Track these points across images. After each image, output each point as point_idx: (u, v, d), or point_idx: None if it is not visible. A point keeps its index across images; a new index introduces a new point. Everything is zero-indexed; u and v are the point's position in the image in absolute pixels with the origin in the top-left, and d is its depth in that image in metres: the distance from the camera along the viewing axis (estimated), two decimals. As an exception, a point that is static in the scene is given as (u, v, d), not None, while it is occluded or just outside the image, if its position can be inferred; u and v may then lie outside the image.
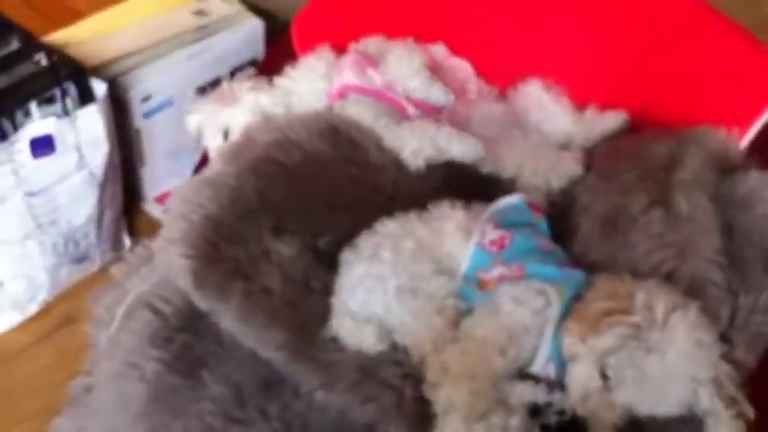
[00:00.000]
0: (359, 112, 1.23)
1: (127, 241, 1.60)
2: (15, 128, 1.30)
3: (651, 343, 0.92)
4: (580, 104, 1.34)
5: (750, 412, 0.94)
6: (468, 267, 1.08)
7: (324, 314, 1.08)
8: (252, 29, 1.70)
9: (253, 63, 1.73)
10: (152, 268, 1.20)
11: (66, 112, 1.32)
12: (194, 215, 1.12)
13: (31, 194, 1.33)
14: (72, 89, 1.33)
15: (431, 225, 1.12)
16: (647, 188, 1.08)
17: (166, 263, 1.13)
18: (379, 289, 1.06)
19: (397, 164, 1.21)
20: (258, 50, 1.74)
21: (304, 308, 1.09)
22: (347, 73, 1.25)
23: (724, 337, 1.00)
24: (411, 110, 1.25)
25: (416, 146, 1.18)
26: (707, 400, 0.93)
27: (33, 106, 1.30)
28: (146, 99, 1.57)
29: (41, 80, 1.33)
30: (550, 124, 1.31)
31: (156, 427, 1.06)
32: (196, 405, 1.05)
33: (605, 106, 1.32)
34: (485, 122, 1.32)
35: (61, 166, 1.35)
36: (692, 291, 1.01)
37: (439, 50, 1.39)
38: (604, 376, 0.94)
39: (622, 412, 0.94)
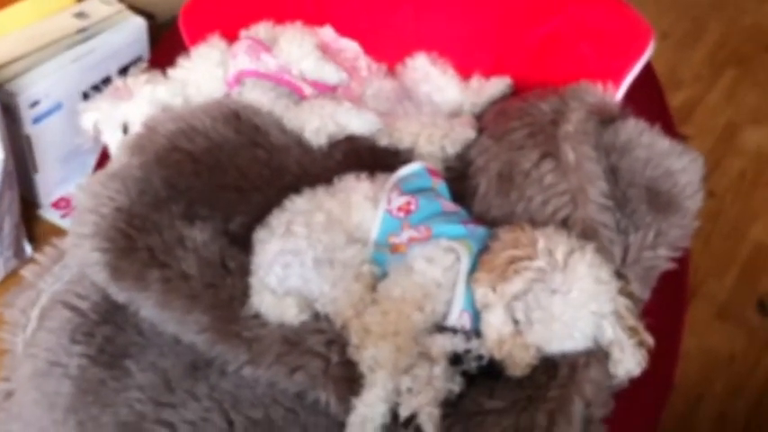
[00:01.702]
0: (258, 96, 1.26)
1: (28, 248, 1.57)
2: None
3: (555, 284, 0.98)
4: (465, 74, 1.41)
5: (650, 340, 1.02)
6: (379, 233, 1.13)
7: (243, 293, 1.11)
8: (135, 27, 1.70)
9: (138, 61, 1.73)
10: (63, 266, 1.19)
11: (-44, 127, 1.30)
12: (104, 208, 1.13)
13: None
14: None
15: (338, 197, 1.17)
16: (536, 143, 1.15)
17: (81, 258, 1.13)
18: (296, 262, 1.09)
19: (300, 143, 1.25)
20: (143, 48, 1.74)
21: (223, 289, 1.11)
22: (241, 58, 1.27)
23: (619, 274, 1.08)
24: (307, 90, 1.28)
25: (317, 124, 1.22)
26: (610, 332, 1.00)
27: None
28: (34, 104, 1.55)
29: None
30: (440, 95, 1.37)
31: (85, 420, 1.06)
32: (124, 394, 1.06)
33: (489, 74, 1.39)
34: (379, 98, 1.37)
35: (-46, 177, 1.34)
36: (586, 234, 1.08)
37: (327, 33, 1.42)
38: (515, 321, 1.02)
39: (535, 352, 1.00)
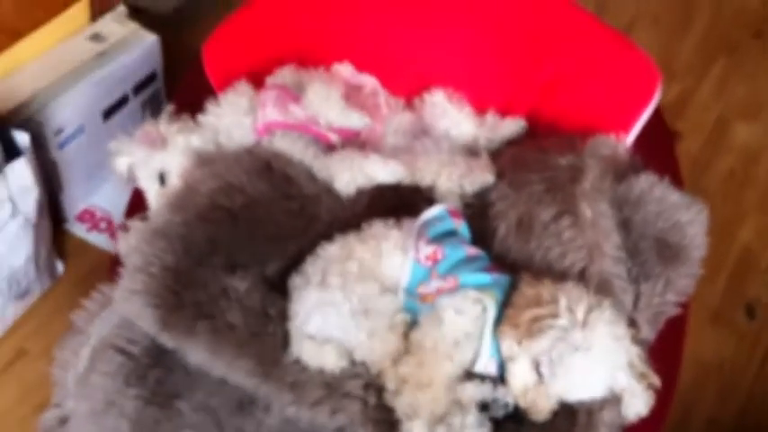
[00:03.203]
0: (287, 146, 1.33)
1: (60, 267, 1.66)
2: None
3: (576, 342, 1.07)
4: (478, 107, 1.48)
5: (657, 381, 1.12)
6: (409, 283, 1.22)
7: (284, 338, 1.20)
8: (149, 45, 1.75)
9: (152, 77, 1.79)
10: (110, 311, 1.29)
11: (-5, 170, 1.36)
12: (153, 267, 1.21)
13: (-29, 247, 1.38)
14: (-5, 144, 1.37)
15: (369, 244, 1.25)
16: (555, 199, 1.24)
17: (132, 312, 1.22)
18: (334, 314, 1.18)
19: (329, 191, 1.33)
20: (156, 63, 1.80)
21: (266, 336, 1.21)
22: (270, 110, 1.33)
23: (630, 320, 1.20)
24: (334, 138, 1.35)
25: (347, 178, 1.29)
26: (623, 381, 1.11)
27: (-39, 166, 1.34)
28: (58, 132, 1.62)
29: (-36, 139, 1.36)
30: (457, 130, 1.45)
31: None
32: None
33: (502, 108, 1.47)
34: (398, 134, 1.45)
35: (-4, 216, 1.40)
36: (601, 285, 1.19)
37: (346, 70, 1.48)
38: (538, 372, 1.13)
39: (556, 400, 1.12)
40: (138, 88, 1.76)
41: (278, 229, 1.30)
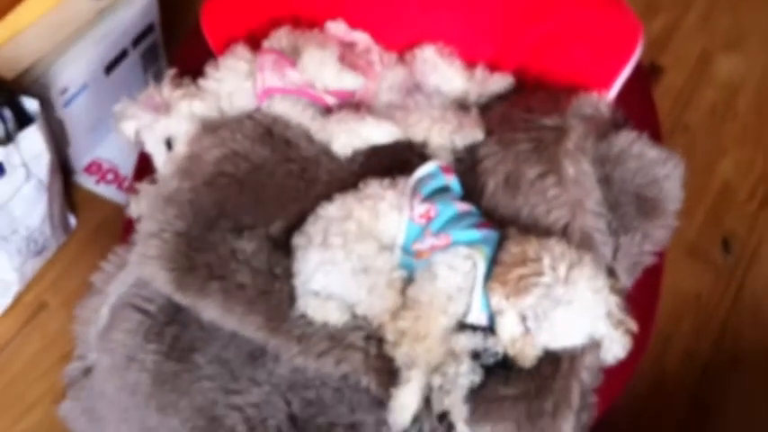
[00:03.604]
0: (286, 109, 1.40)
1: (72, 220, 1.75)
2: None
3: (558, 296, 1.17)
4: (468, 62, 1.54)
5: (633, 327, 1.23)
6: (405, 241, 1.30)
7: (290, 295, 1.30)
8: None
9: (150, 28, 1.84)
10: (127, 272, 1.37)
11: (9, 138, 1.44)
12: (166, 234, 1.31)
13: (-10, 214, 1.47)
14: (8, 114, 1.44)
15: (366, 205, 1.33)
16: (540, 159, 1.32)
17: (147, 274, 1.31)
18: (335, 272, 1.27)
19: (327, 152, 1.41)
20: (153, 15, 1.85)
21: (273, 293, 1.30)
22: (269, 75, 1.39)
23: (609, 270, 1.29)
24: (330, 100, 1.42)
25: (344, 140, 1.37)
26: (603, 329, 1.21)
27: (-22, 138, 1.41)
28: (63, 92, 1.68)
29: (-23, 112, 1.43)
30: (447, 85, 1.50)
31: (164, 405, 1.28)
32: (196, 384, 1.28)
33: (491, 62, 1.53)
34: (392, 90, 1.50)
35: (12, 183, 1.48)
36: (583, 238, 1.28)
37: (339, 27, 1.53)
38: (525, 324, 1.22)
39: (541, 348, 1.22)
40: (137, 41, 1.81)
41: (280, 191, 1.39)
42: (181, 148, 1.39)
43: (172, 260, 1.29)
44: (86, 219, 1.78)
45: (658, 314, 1.43)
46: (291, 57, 1.43)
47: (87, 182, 1.84)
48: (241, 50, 1.45)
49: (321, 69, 1.40)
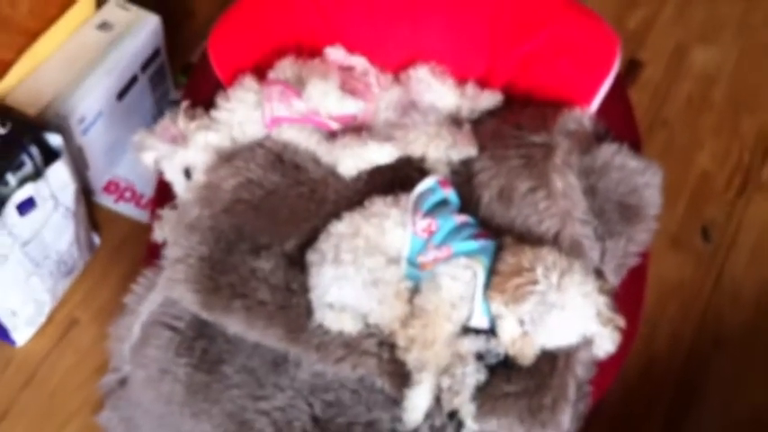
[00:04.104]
0: (294, 136, 1.52)
1: (96, 239, 1.87)
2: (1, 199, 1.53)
3: (552, 302, 1.29)
4: (459, 79, 1.64)
5: (622, 323, 1.35)
6: (409, 254, 1.42)
7: (307, 308, 1.42)
8: (152, 26, 1.90)
9: (157, 53, 1.94)
10: (156, 293, 1.48)
11: (38, 173, 1.55)
12: (191, 259, 1.43)
13: (25, 244, 1.59)
14: (35, 151, 1.55)
15: (372, 222, 1.44)
16: (530, 174, 1.44)
17: (176, 295, 1.43)
18: (348, 286, 1.39)
19: (333, 173, 1.53)
20: (159, 41, 1.96)
21: (291, 308, 1.42)
22: (276, 105, 1.50)
23: (597, 272, 1.42)
24: (334, 125, 1.54)
25: (350, 164, 1.49)
26: (594, 328, 1.34)
27: (9, 175, 1.52)
28: (81, 121, 1.78)
29: (7, 150, 1.53)
30: (441, 102, 1.61)
31: (198, 412, 1.41)
32: (226, 393, 1.41)
33: (481, 80, 1.64)
34: (390, 108, 1.61)
35: (42, 213, 1.60)
36: (573, 245, 1.40)
37: (338, 52, 1.64)
38: (522, 326, 1.35)
39: (539, 348, 1.34)
40: (145, 66, 1.91)
41: (293, 212, 1.51)
42: (199, 177, 1.51)
43: (197, 282, 1.42)
44: (109, 236, 1.90)
45: (645, 305, 1.56)
46: (296, 86, 1.54)
47: (107, 201, 1.95)
48: (249, 82, 1.56)
49: (324, 98, 1.51)
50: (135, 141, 1.57)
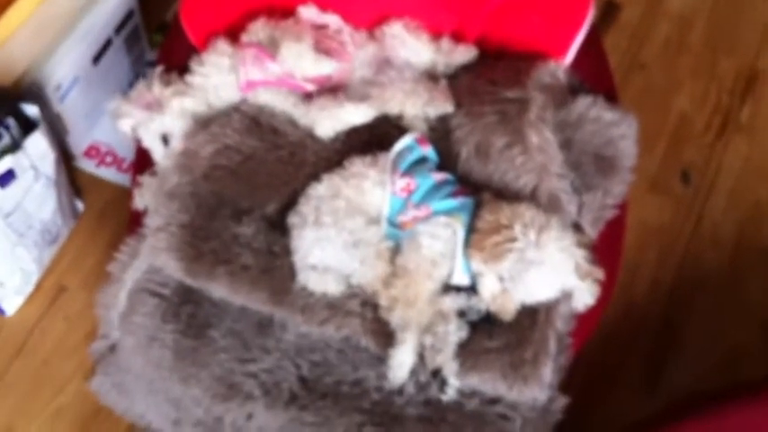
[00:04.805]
0: (270, 99, 1.52)
1: (80, 205, 1.88)
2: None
3: (530, 259, 1.31)
4: (434, 34, 1.63)
5: (600, 275, 1.37)
6: (389, 213, 1.43)
7: (290, 270, 1.43)
8: (125, -13, 1.88)
9: (130, 14, 1.92)
10: (140, 260, 1.50)
11: (16, 145, 1.54)
12: (172, 227, 1.44)
13: (7, 216, 1.59)
14: (12, 122, 1.54)
15: (351, 183, 1.45)
16: (506, 131, 1.44)
17: (160, 263, 1.45)
18: (330, 247, 1.40)
19: (311, 135, 1.52)
20: (132, 2, 1.93)
21: (275, 270, 1.44)
22: (251, 68, 1.49)
23: (576, 225, 1.44)
24: (310, 87, 1.53)
25: (327, 125, 1.48)
26: (573, 281, 1.36)
27: (-13, 148, 1.52)
28: (58, 88, 1.77)
29: (-18, 124, 1.54)
30: (416, 58, 1.60)
31: (186, 376, 1.44)
32: (214, 357, 1.43)
33: (454, 34, 1.62)
34: (365, 66, 1.60)
35: (23, 185, 1.60)
36: (550, 199, 1.42)
37: (311, 11, 1.61)
38: (502, 283, 1.37)
39: (519, 304, 1.36)
40: (119, 28, 1.89)
41: (272, 175, 1.51)
42: (177, 144, 1.51)
43: (180, 250, 1.43)
44: (92, 201, 1.90)
45: (624, 251, 1.58)
46: (270, 49, 1.53)
47: (88, 166, 1.95)
48: (222, 45, 1.54)
49: (299, 60, 1.50)
50: (111, 109, 1.57)
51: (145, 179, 1.55)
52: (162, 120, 1.51)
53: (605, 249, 1.46)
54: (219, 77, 1.53)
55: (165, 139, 1.54)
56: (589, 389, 1.67)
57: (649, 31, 2.14)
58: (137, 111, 1.53)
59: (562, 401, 1.42)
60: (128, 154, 1.93)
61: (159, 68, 1.57)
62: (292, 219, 1.46)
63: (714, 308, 1.81)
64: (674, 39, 2.13)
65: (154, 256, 1.45)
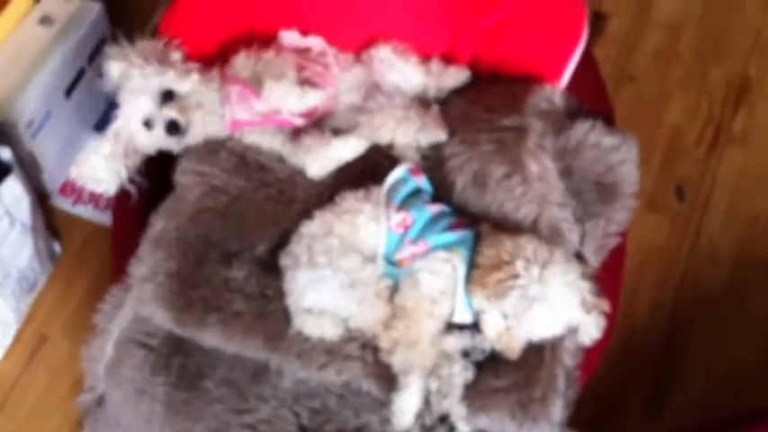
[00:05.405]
0: (257, 138, 1.47)
1: (57, 247, 1.79)
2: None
3: (534, 295, 1.26)
4: (423, 56, 1.57)
5: (606, 306, 1.32)
6: (386, 250, 1.38)
7: (284, 314, 1.37)
8: (95, 15, 1.80)
9: (102, 41, 1.83)
10: (125, 310, 1.43)
11: (-12, 192, 1.45)
12: (159, 277, 1.38)
13: (-17, 267, 1.51)
14: (-17, 167, 1.46)
15: (344, 219, 1.39)
16: (504, 159, 1.39)
17: (146, 313, 1.38)
18: (325, 289, 1.34)
19: (300, 172, 1.46)
20: (104, 29, 1.85)
21: (269, 315, 1.38)
22: (236, 108, 1.43)
23: (578, 255, 1.39)
24: (298, 121, 1.46)
25: (317, 167, 1.43)
26: (578, 316, 1.31)
27: (-43, 198, 1.44)
28: (30, 125, 1.69)
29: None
30: (406, 82, 1.54)
31: (181, 431, 1.36)
32: (208, 409, 1.36)
33: (445, 56, 1.57)
34: (352, 90, 1.54)
35: (-2, 233, 1.51)
36: (552, 230, 1.37)
37: (292, 36, 1.55)
38: (506, 320, 1.32)
39: (524, 341, 1.32)
40: (92, 57, 1.81)
41: (261, 215, 1.46)
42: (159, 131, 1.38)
43: (168, 300, 1.37)
44: (69, 243, 1.82)
45: (625, 269, 1.54)
46: (254, 85, 1.45)
47: (64, 204, 1.86)
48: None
49: (284, 98, 1.43)
50: (108, 51, 1.43)
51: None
52: (166, 76, 1.39)
53: (607, 278, 1.41)
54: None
55: (148, 124, 1.40)
56: (594, 421, 1.62)
57: (638, 42, 2.09)
58: (136, 58, 1.41)
59: (574, 436, 1.40)
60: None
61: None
62: (284, 260, 1.40)
63: (715, 328, 1.77)
64: (663, 49, 2.09)
65: (140, 307, 1.38)
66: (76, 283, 1.76)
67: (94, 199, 1.87)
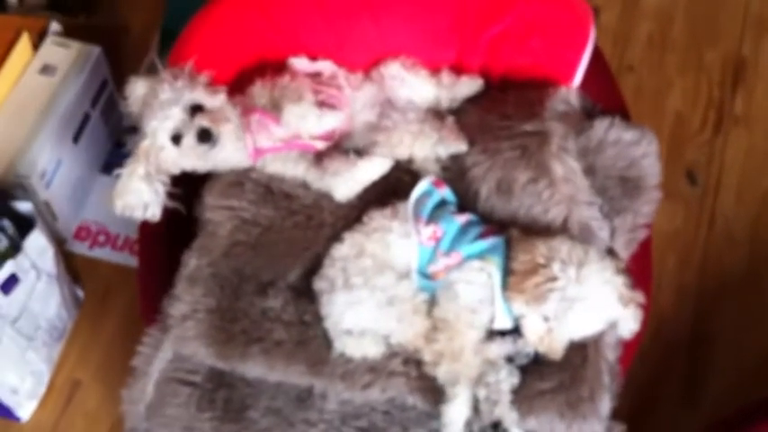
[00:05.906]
0: (280, 167, 1.47)
1: (80, 292, 1.79)
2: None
3: (573, 296, 1.27)
4: (432, 69, 1.58)
5: (641, 298, 1.34)
6: (419, 264, 1.39)
7: (325, 338, 1.38)
8: (95, 58, 1.80)
9: (104, 84, 1.85)
10: (164, 350, 1.42)
11: (15, 248, 1.46)
12: (199, 314, 1.39)
13: (14, 321, 1.52)
14: (7, 223, 1.47)
15: (374, 238, 1.40)
16: (528, 165, 1.40)
17: (189, 352, 1.38)
18: (363, 310, 1.35)
19: (325, 195, 1.47)
20: (105, 71, 1.86)
21: (309, 341, 1.39)
22: (257, 136, 1.43)
23: (609, 250, 1.40)
24: (319, 144, 1.47)
25: (344, 190, 1.43)
26: (617, 311, 1.33)
27: (-14, 255, 1.43)
28: (43, 175, 1.69)
29: (-21, 230, 1.45)
30: (418, 96, 1.55)
31: None
32: None
33: (454, 68, 1.58)
34: (366, 108, 1.54)
35: (27, 286, 1.53)
36: (582, 229, 1.38)
37: (302, 62, 1.56)
38: (547, 322, 1.33)
39: (567, 341, 1.33)
40: (95, 101, 1.82)
41: (292, 242, 1.46)
42: (190, 141, 1.36)
43: (210, 336, 1.38)
44: (91, 287, 1.82)
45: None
46: (272, 112, 1.46)
47: (81, 248, 1.86)
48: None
49: (303, 122, 1.43)
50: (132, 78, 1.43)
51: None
52: (195, 92, 1.38)
53: (638, 269, 1.42)
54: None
55: (176, 139, 1.38)
56: (633, 412, 1.62)
57: (631, 32, 2.11)
58: (165, 74, 1.40)
59: (620, 428, 1.38)
60: (121, 229, 1.86)
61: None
62: (319, 284, 1.41)
63: (742, 307, 1.79)
64: (656, 36, 2.11)
65: (182, 345, 1.38)
66: (103, 325, 1.76)
67: (111, 240, 1.87)
